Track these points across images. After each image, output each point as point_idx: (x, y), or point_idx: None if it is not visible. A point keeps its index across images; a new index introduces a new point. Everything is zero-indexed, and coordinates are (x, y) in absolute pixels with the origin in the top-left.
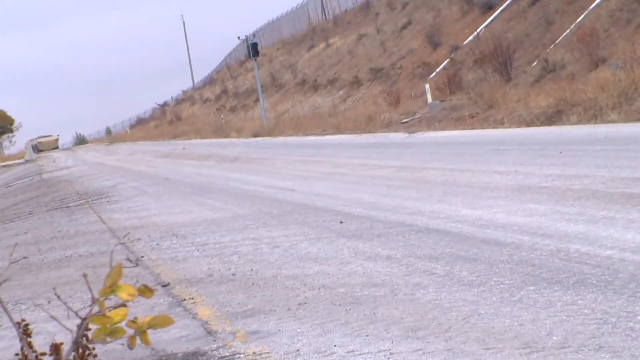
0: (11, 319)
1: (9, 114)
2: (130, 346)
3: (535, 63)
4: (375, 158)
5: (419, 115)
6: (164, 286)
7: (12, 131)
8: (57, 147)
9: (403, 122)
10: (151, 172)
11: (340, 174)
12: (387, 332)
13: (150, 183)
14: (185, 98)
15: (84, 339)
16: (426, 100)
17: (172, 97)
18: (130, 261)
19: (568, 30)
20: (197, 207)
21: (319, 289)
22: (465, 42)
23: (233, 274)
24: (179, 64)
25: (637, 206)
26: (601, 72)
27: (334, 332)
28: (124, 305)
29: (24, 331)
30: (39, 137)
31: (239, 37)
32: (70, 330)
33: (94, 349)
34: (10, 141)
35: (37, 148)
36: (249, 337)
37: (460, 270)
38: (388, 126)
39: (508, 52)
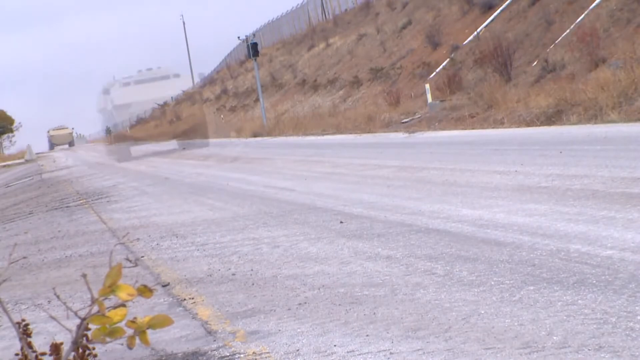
0: (11, 319)
1: (8, 114)
2: (130, 346)
3: (535, 63)
4: (375, 158)
5: (419, 115)
6: (164, 286)
7: (12, 131)
8: (72, 142)
9: (403, 122)
10: (151, 172)
11: (340, 174)
12: (387, 332)
13: (150, 183)
14: (185, 98)
15: (84, 339)
16: (426, 100)
17: (172, 97)
18: (130, 261)
19: (568, 30)
20: (197, 207)
21: (319, 289)
22: (465, 42)
23: (233, 274)
24: (179, 64)
25: (637, 206)
26: (601, 72)
27: (334, 332)
28: (123, 305)
29: (24, 331)
30: (52, 130)
31: (239, 37)
32: (70, 330)
33: (93, 348)
34: (11, 141)
35: (50, 142)
36: (249, 337)
37: (460, 270)
38: (388, 126)
39: (508, 52)
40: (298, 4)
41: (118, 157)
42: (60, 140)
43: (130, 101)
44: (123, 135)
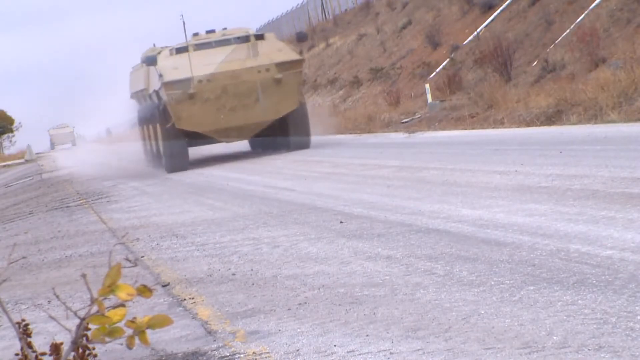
0: (11, 319)
1: (8, 113)
2: (129, 346)
3: (535, 63)
4: (375, 158)
5: (419, 115)
6: (164, 286)
7: (12, 131)
8: (74, 141)
9: (403, 122)
10: (151, 172)
11: (340, 173)
12: (387, 332)
13: (150, 183)
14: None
15: (84, 338)
16: (426, 100)
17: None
18: (129, 261)
19: (568, 30)
20: (197, 207)
21: (319, 289)
22: (465, 42)
23: (233, 274)
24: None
25: (637, 206)
26: (601, 72)
27: (334, 332)
28: (122, 305)
29: (24, 331)
30: (52, 129)
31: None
32: (70, 330)
33: (93, 348)
34: (10, 141)
35: (50, 141)
36: (249, 337)
37: (460, 270)
38: (388, 126)
39: (508, 52)
40: (298, 4)
41: (168, 163)
42: (61, 139)
43: (189, 75)
44: (177, 131)
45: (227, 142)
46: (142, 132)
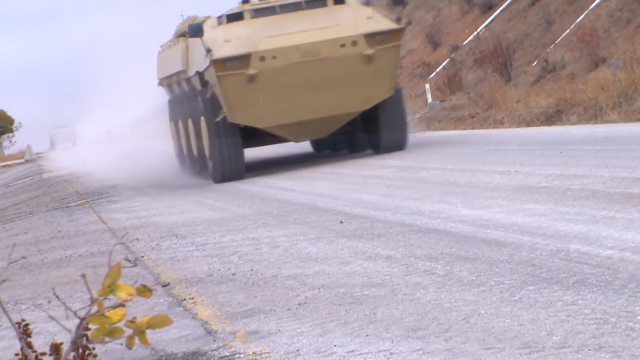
0: (11, 319)
1: (9, 113)
2: (129, 346)
3: (535, 63)
4: (375, 158)
5: (419, 115)
6: (164, 286)
7: (12, 131)
8: (74, 141)
9: None
10: (151, 172)
11: (340, 173)
12: (387, 332)
13: (150, 183)
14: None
15: (84, 338)
16: (426, 100)
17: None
18: (129, 261)
19: (568, 30)
20: (197, 207)
21: (319, 288)
22: (465, 42)
23: (233, 274)
24: None
25: (637, 206)
26: (601, 72)
27: (334, 332)
28: (122, 305)
29: (24, 331)
30: (52, 128)
31: None
32: (70, 330)
33: (93, 348)
34: (10, 141)
35: (51, 141)
36: (249, 337)
37: (460, 270)
38: None
39: (508, 52)
40: None
41: (217, 170)
42: (62, 139)
43: (248, 50)
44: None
45: (296, 141)
46: (174, 128)
